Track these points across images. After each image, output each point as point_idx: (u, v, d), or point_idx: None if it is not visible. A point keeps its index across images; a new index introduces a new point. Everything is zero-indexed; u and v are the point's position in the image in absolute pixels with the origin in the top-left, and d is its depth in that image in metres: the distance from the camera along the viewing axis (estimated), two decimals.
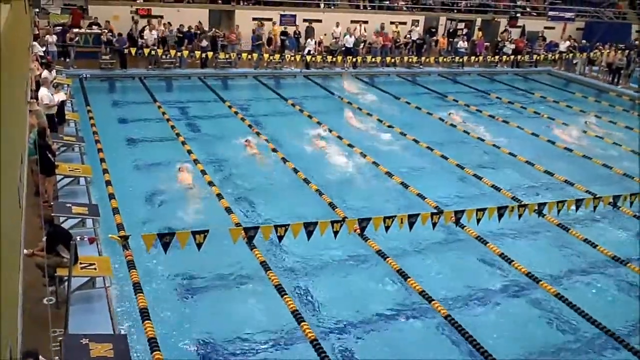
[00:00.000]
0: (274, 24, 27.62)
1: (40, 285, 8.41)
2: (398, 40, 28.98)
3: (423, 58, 28.21)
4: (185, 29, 25.05)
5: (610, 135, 19.44)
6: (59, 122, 14.97)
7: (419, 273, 10.53)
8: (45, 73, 16.27)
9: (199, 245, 9.20)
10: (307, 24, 28.30)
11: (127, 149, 16.09)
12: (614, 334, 9.06)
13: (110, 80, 23.55)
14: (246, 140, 16.58)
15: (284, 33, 27.15)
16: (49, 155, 11.43)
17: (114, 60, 23.55)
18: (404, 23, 30.69)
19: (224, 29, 26.85)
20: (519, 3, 34.92)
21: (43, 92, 14.19)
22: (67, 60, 23.00)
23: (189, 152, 15.46)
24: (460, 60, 28.58)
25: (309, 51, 26.54)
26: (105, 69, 23.44)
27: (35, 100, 14.06)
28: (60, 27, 23.58)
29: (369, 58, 27.21)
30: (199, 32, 25.40)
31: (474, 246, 11.77)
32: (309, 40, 27.11)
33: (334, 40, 27.83)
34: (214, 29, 26.08)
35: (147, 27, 24.61)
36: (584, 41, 31.88)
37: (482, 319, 9.60)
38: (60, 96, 14.97)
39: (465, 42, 29.71)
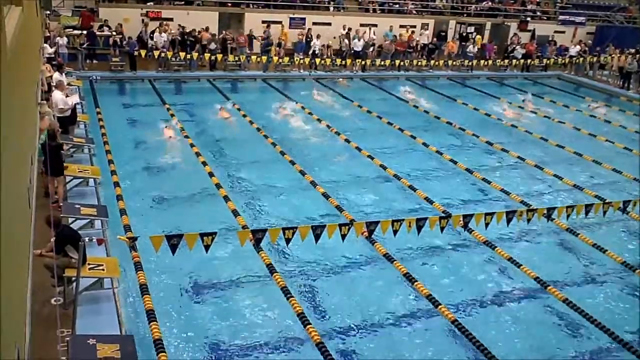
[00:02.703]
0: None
1: (49, 286, 8.46)
2: (411, 45, 29.00)
3: (432, 62, 28.18)
4: (195, 33, 25.21)
5: (620, 140, 19.32)
6: (70, 124, 15.05)
7: (426, 277, 10.51)
8: (56, 75, 16.40)
9: (207, 247, 9.22)
10: (317, 26, 28.33)
11: (136, 151, 16.17)
12: (622, 340, 9.00)
13: (120, 82, 23.69)
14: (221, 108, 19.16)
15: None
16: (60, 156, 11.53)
17: (124, 62, 23.69)
18: (414, 26, 30.71)
19: (234, 32, 26.96)
20: (529, 7, 34.83)
21: (58, 96, 14.27)
22: (88, 62, 23.31)
23: (197, 154, 15.51)
24: (470, 64, 28.52)
25: (314, 51, 26.58)
26: (115, 71, 23.58)
27: (45, 102, 14.16)
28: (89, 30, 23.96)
29: (377, 61, 27.20)
30: (209, 37, 25.49)
31: (482, 250, 11.73)
32: (314, 40, 27.15)
33: (341, 42, 27.84)
34: (224, 32, 26.18)
35: (158, 29, 24.74)
36: (589, 41, 31.80)
37: (490, 324, 9.56)
38: (74, 99, 15.06)
39: (475, 47, 29.65)
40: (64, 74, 17.23)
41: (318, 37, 27.24)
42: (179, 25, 25.52)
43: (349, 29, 28.27)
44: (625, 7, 37.51)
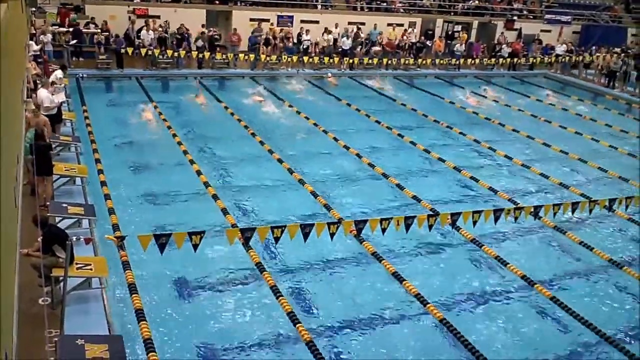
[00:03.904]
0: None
1: (36, 286, 8.38)
2: (400, 45, 29.08)
3: (420, 60, 28.26)
4: (182, 30, 25.11)
5: (605, 138, 19.51)
6: (56, 122, 14.93)
7: (415, 275, 10.55)
8: (58, 72, 16.48)
9: (195, 246, 9.18)
10: (304, 24, 28.29)
11: (123, 149, 16.06)
12: (609, 338, 9.09)
13: (107, 80, 23.51)
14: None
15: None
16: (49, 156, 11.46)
17: (111, 60, 23.51)
18: (401, 25, 30.78)
19: (221, 30, 26.88)
20: (515, 6, 35.02)
21: (43, 94, 14.15)
22: (75, 59, 23.18)
23: (185, 152, 15.45)
24: (457, 62, 28.65)
25: (304, 47, 26.59)
26: (102, 69, 23.41)
27: (31, 100, 14.05)
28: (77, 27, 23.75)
29: (365, 60, 27.23)
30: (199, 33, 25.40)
31: (470, 249, 11.80)
32: (304, 35, 27.14)
33: (326, 41, 27.89)
34: (211, 29, 26.08)
35: (145, 27, 24.58)
36: (566, 39, 32.24)
37: (477, 322, 9.61)
38: (60, 97, 14.96)
39: (463, 45, 29.74)
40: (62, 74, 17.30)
41: (307, 32, 27.31)
42: (164, 22, 25.38)
43: (336, 26, 28.36)
44: (611, 7, 37.83)
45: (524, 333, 9.46)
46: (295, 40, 27.42)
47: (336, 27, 28.30)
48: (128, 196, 12.90)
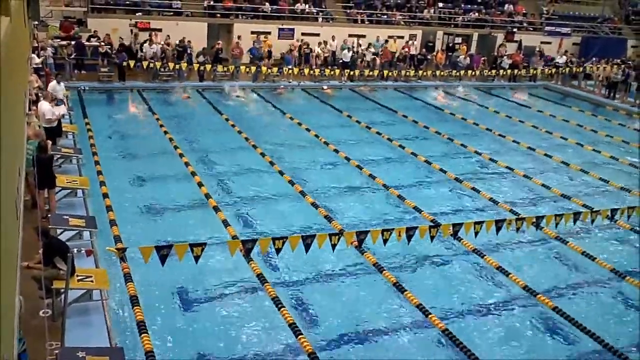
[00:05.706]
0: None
1: (37, 298, 8.37)
2: (399, 57, 29.20)
3: (420, 72, 28.32)
4: (185, 43, 25.25)
5: (606, 149, 19.52)
6: (57, 135, 14.96)
7: (416, 286, 10.52)
8: (53, 84, 16.54)
9: (197, 258, 9.18)
10: (305, 37, 28.46)
11: (124, 161, 16.08)
12: (612, 348, 9.04)
13: (109, 92, 23.58)
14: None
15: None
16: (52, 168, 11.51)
17: (113, 73, 23.61)
18: (402, 37, 30.92)
19: (223, 43, 27.02)
20: (515, 18, 35.17)
21: (45, 106, 14.19)
22: (77, 72, 23.26)
23: (187, 164, 15.46)
24: (457, 74, 28.71)
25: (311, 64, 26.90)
26: (103, 82, 23.49)
27: (33, 113, 14.09)
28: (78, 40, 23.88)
29: (366, 72, 27.31)
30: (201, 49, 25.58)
31: (472, 259, 11.77)
32: (313, 52, 27.45)
33: (327, 51, 28.06)
34: (217, 43, 26.19)
35: (148, 40, 24.72)
36: (565, 50, 32.34)
37: (480, 333, 9.58)
38: (61, 109, 15.00)
39: (467, 59, 29.82)
40: (62, 84, 17.34)
41: (320, 44, 27.74)
42: (167, 36, 25.54)
43: (333, 38, 28.57)
44: (610, 18, 37.97)
45: (526, 343, 9.42)
46: (297, 54, 27.60)
47: (333, 40, 28.42)
48: (129, 208, 12.90)
